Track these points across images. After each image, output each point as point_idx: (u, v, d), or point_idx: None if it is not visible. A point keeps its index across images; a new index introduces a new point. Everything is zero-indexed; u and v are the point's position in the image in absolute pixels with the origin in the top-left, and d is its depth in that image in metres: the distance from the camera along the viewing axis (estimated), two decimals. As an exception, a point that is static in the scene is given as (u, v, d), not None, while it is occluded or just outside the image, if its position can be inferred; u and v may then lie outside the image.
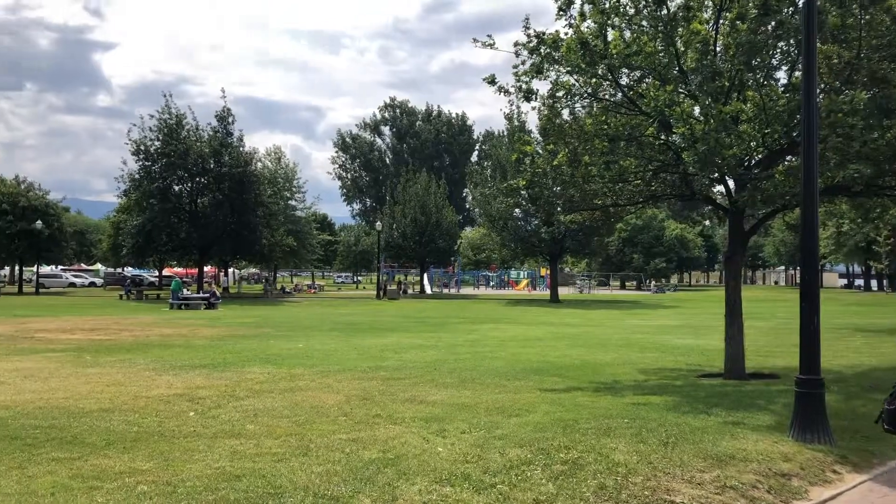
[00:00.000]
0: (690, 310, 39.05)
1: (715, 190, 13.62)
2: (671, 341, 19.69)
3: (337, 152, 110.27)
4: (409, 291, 61.57)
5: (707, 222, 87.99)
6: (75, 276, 73.36)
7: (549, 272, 57.39)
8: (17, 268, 65.18)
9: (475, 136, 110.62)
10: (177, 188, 50.00)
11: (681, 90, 11.47)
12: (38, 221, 53.53)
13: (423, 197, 59.15)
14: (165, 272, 67.63)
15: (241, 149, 50.26)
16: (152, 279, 68.36)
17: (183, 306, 35.08)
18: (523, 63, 12.01)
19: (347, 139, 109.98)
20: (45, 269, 66.90)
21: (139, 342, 18.02)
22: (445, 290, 63.49)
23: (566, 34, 11.64)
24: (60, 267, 75.34)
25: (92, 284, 71.74)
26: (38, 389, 10.53)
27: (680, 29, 11.32)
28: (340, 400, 9.82)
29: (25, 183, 60.28)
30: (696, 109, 11.07)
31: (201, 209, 49.55)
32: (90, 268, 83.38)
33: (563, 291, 57.06)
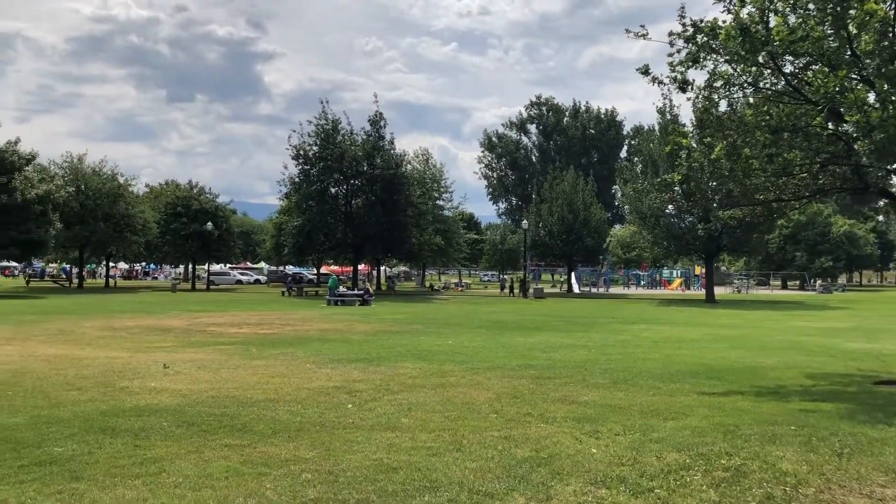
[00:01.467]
0: (862, 311, 36.20)
1: (894, 181, 12.55)
2: (841, 345, 18.34)
3: (483, 152, 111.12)
4: (517, 292, 60.81)
5: (881, 217, 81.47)
6: (242, 274, 78.38)
7: (703, 271, 55.12)
8: (190, 266, 70.45)
9: (624, 132, 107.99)
10: (333, 190, 52.24)
11: (853, 76, 10.64)
12: (209, 223, 57.62)
13: (571, 194, 58.45)
14: (323, 270, 70.91)
15: (392, 151, 51.80)
16: (311, 277, 71.80)
17: (339, 302, 36.59)
18: (678, 52, 11.58)
19: (493, 138, 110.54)
20: (215, 268, 71.83)
21: (300, 336, 18.96)
22: (594, 290, 62.44)
23: (724, 21, 11.11)
24: (228, 265, 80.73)
25: (256, 282, 76.42)
26: (210, 379, 11.31)
27: (852, 11, 10.50)
28: (491, 397, 9.88)
29: (197, 187, 65.13)
30: (872, 96, 10.23)
31: (355, 210, 51.52)
32: (255, 266, 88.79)
33: (720, 291, 54.56)
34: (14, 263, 79.23)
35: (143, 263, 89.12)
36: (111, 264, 70.80)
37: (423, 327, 22.38)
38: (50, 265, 79.79)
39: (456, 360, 13.89)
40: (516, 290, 54.79)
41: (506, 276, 74.93)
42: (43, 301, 36.84)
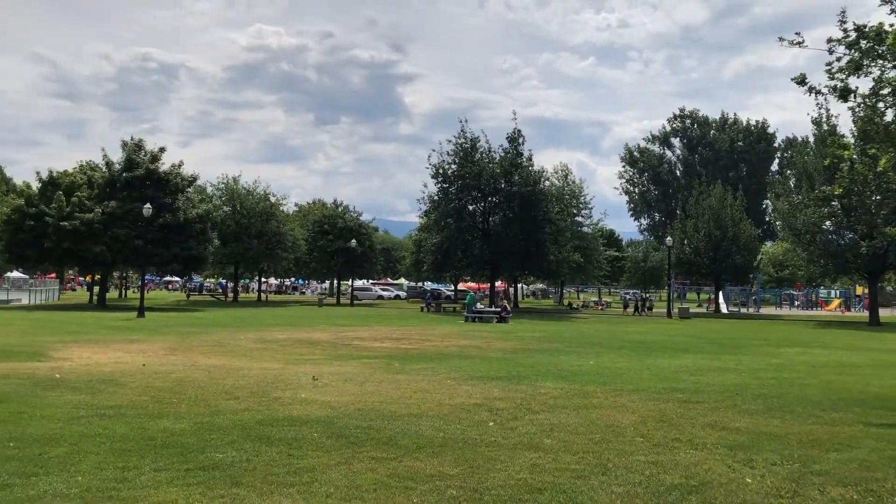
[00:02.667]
0: None
1: None
2: None
3: (624, 167, 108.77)
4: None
5: None
6: (383, 290, 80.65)
7: (866, 291, 51.20)
8: (335, 281, 73.27)
9: (776, 144, 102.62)
10: (471, 208, 52.84)
11: None
12: (353, 240, 59.80)
13: (718, 210, 56.12)
14: (460, 286, 71.74)
15: (530, 168, 51.78)
16: (448, 293, 72.83)
17: (476, 319, 36.84)
18: (838, 60, 10.89)
19: (635, 153, 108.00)
20: (358, 283, 74.32)
21: (440, 352, 19.23)
22: (743, 310, 59.45)
23: (892, 25, 10.34)
24: (370, 281, 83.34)
25: (397, 297, 78.34)
26: (356, 392, 11.67)
27: None
28: (636, 420, 9.59)
29: (342, 206, 67.83)
30: None
31: (493, 227, 51.83)
32: (395, 282, 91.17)
33: (885, 313, 50.50)
34: (176, 278, 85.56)
35: (292, 279, 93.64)
36: (263, 279, 74.82)
37: (562, 346, 22.11)
38: (207, 280, 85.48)
39: (598, 381, 13.61)
40: (641, 309, 53.20)
41: (630, 295, 72.71)
42: (202, 314, 39.44)
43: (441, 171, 50.98)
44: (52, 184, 47.12)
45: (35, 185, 47.91)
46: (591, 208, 65.71)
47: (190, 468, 6.76)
